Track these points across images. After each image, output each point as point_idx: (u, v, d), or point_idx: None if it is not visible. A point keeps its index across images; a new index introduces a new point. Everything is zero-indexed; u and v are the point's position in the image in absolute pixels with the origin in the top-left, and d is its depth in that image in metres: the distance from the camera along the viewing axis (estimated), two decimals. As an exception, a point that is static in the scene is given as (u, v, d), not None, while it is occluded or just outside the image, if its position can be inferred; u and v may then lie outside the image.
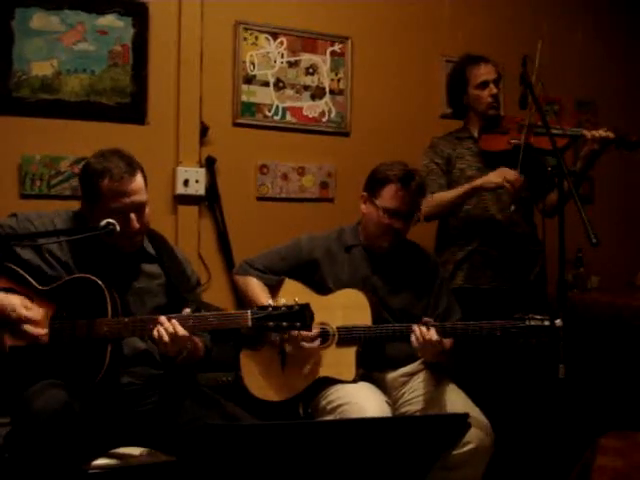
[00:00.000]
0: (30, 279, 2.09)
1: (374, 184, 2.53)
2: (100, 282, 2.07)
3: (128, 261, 2.22)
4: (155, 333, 2.03)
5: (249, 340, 2.55)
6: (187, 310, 2.11)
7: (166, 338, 2.02)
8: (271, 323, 2.06)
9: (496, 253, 2.94)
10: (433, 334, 2.29)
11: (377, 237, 2.54)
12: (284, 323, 2.06)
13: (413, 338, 2.33)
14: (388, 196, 2.48)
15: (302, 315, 2.06)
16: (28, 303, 2.03)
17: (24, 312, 2.01)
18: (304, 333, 2.38)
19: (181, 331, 2.03)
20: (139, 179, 2.15)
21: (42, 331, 2.02)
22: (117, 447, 2.11)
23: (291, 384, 2.48)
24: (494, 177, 2.76)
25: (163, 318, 2.04)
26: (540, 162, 2.88)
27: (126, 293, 2.19)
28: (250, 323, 2.06)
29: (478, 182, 2.82)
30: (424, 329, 2.30)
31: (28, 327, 2.01)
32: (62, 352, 2.03)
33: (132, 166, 2.14)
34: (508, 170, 2.74)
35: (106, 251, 2.18)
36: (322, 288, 2.56)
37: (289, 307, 2.06)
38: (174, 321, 2.04)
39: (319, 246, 2.61)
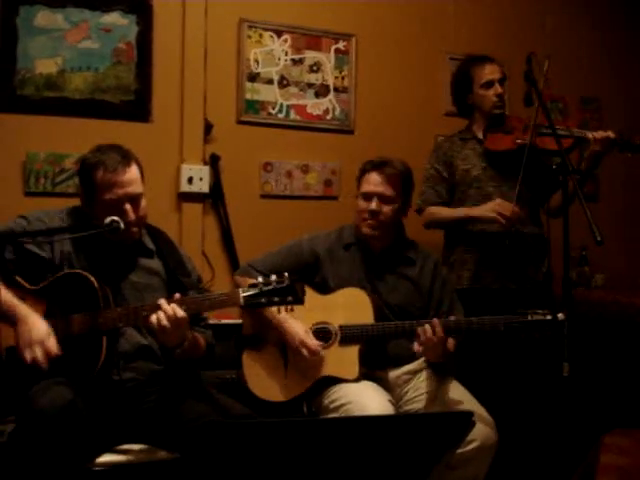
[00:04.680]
0: (19, 279, 2.09)
1: (358, 177, 2.64)
2: (90, 276, 2.07)
3: (125, 254, 2.24)
4: (154, 318, 2.02)
5: (250, 341, 2.55)
6: (177, 295, 2.09)
7: (165, 322, 2.01)
8: (263, 300, 2.05)
9: (503, 253, 2.94)
10: (439, 331, 2.29)
11: (360, 224, 2.57)
12: (276, 298, 2.05)
13: (415, 343, 2.33)
14: (364, 182, 2.59)
15: (293, 289, 2.05)
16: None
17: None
18: (309, 346, 2.39)
19: (180, 313, 2.02)
20: (134, 170, 2.17)
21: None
22: (121, 444, 2.11)
23: (294, 384, 2.47)
24: (489, 212, 2.81)
25: (162, 301, 2.04)
26: (545, 163, 2.87)
27: (124, 287, 2.20)
28: (242, 302, 2.05)
29: (474, 213, 2.89)
30: (428, 328, 2.30)
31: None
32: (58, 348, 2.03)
33: (126, 158, 2.16)
34: (505, 204, 2.78)
35: (104, 245, 2.19)
36: (323, 287, 2.56)
37: (279, 282, 2.04)
38: (173, 305, 2.03)
39: (320, 245, 2.62)
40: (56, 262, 2.14)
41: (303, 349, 2.41)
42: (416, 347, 2.33)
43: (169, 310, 2.02)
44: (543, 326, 2.26)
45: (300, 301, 2.07)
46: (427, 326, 2.30)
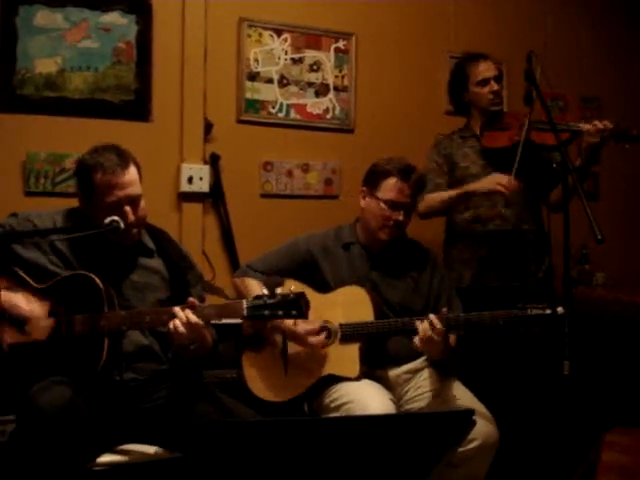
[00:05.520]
0: (27, 278, 2.09)
1: (374, 177, 2.55)
2: (95, 278, 2.07)
3: (125, 255, 2.23)
4: (171, 326, 2.03)
5: (250, 341, 2.54)
6: (191, 299, 2.09)
7: (182, 329, 2.02)
8: (267, 312, 2.03)
9: (504, 250, 2.94)
10: (438, 326, 2.28)
11: (378, 230, 2.53)
12: (280, 312, 2.04)
13: (416, 338, 2.32)
14: (389, 188, 2.49)
15: (297, 303, 2.04)
16: (31, 299, 2.03)
17: (26, 310, 2.01)
18: (308, 327, 2.38)
19: (194, 319, 2.03)
20: (132, 172, 2.16)
21: (43, 329, 2.02)
22: (122, 444, 2.11)
23: (294, 384, 2.47)
24: (486, 183, 2.81)
25: (177, 308, 2.05)
26: (545, 158, 2.87)
27: (124, 287, 2.19)
28: (245, 312, 2.04)
29: (470, 187, 2.87)
30: (426, 324, 2.29)
31: (28, 327, 2.01)
32: (61, 348, 2.03)
33: (124, 159, 2.15)
34: (500, 175, 2.77)
35: (103, 245, 2.19)
36: (323, 286, 2.55)
37: (284, 296, 2.04)
38: (187, 310, 2.04)
39: (316, 244, 2.60)
40: (33, 263, 2.12)
41: (309, 339, 2.41)
42: (416, 341, 2.32)
43: (183, 317, 2.03)
44: (542, 320, 2.25)
45: (304, 315, 2.07)
46: (425, 323, 2.29)
